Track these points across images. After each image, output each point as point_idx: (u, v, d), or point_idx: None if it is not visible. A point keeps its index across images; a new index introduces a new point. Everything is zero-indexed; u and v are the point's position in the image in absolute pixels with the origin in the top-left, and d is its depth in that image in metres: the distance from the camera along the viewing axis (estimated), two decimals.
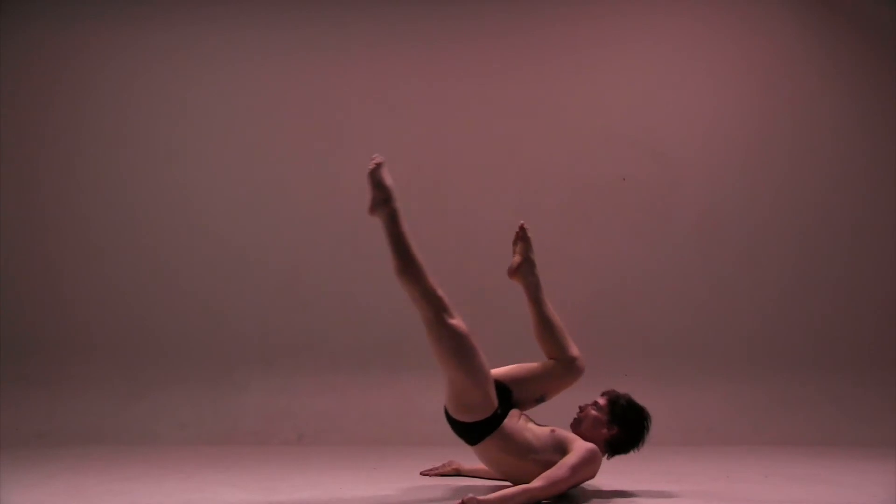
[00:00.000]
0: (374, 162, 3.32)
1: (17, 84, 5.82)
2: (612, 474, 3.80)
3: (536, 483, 3.04)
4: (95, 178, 5.79)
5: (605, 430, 3.29)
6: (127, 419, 5.32)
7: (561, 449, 3.19)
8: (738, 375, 5.52)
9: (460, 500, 2.84)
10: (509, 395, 3.35)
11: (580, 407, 3.37)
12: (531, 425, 3.31)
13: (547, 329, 3.55)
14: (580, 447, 3.17)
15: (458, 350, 3.20)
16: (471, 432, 3.23)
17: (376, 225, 5.86)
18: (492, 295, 5.68)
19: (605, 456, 3.32)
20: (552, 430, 3.28)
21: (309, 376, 5.50)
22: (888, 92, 5.78)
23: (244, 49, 5.88)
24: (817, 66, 5.85)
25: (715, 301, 5.67)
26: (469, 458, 3.57)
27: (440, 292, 3.21)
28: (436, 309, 3.19)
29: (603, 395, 3.40)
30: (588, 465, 3.14)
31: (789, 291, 5.68)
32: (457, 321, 3.20)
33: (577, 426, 3.32)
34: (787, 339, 5.61)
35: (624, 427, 3.29)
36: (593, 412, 3.32)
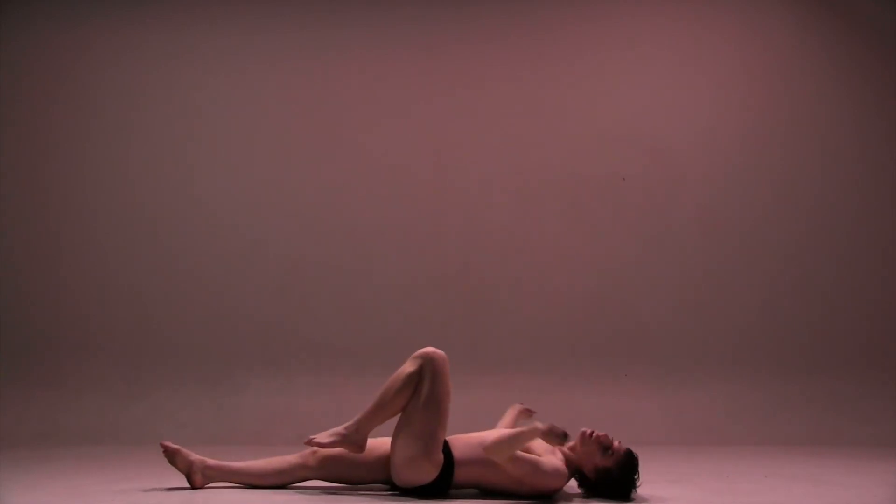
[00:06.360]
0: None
1: (22, 84, 5.83)
2: None
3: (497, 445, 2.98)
4: (98, 180, 5.79)
5: (598, 459, 3.08)
6: (127, 419, 5.32)
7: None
8: (737, 376, 5.52)
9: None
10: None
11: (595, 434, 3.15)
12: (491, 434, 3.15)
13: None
14: (552, 461, 3.07)
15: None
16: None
17: (376, 226, 5.87)
18: (493, 294, 5.69)
19: (578, 485, 3.18)
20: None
21: (309, 376, 5.50)
22: (887, 92, 5.78)
23: (248, 51, 5.89)
24: (816, 66, 5.86)
25: (714, 301, 5.67)
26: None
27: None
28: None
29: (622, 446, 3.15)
30: (549, 477, 3.03)
31: (788, 292, 5.68)
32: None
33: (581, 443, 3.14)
34: (786, 340, 5.61)
35: (616, 469, 3.07)
36: (602, 439, 3.12)
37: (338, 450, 3.19)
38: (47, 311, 5.65)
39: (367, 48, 5.88)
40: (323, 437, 3.14)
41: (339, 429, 3.14)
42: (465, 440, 3.16)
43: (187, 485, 3.26)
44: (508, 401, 5.38)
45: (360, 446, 3.15)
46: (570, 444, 3.15)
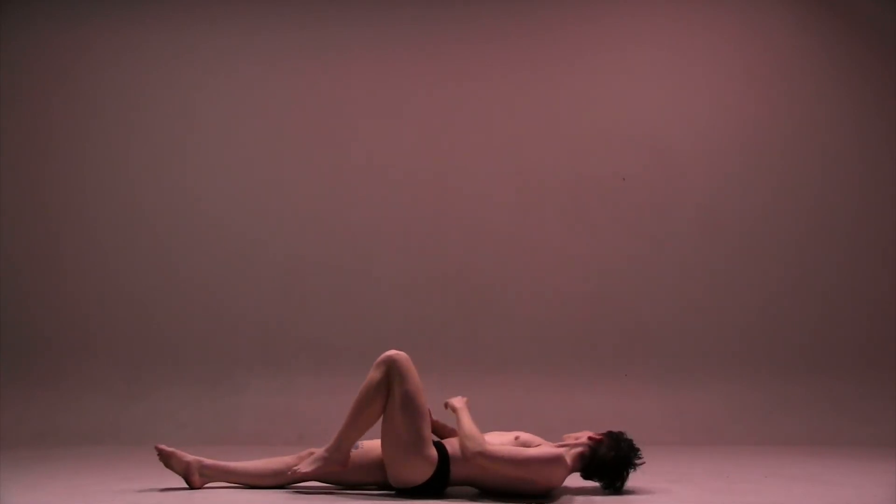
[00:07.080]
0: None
1: (22, 84, 5.83)
2: None
3: (487, 445, 2.99)
4: (97, 180, 5.80)
5: (588, 440, 3.16)
6: (127, 419, 5.32)
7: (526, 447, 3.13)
8: (737, 375, 5.52)
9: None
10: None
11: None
12: (491, 436, 3.18)
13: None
14: (545, 448, 3.11)
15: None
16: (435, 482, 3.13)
17: (376, 226, 5.87)
18: (493, 295, 5.69)
19: (578, 471, 3.18)
20: (516, 437, 3.20)
21: (309, 376, 5.50)
22: (887, 92, 5.77)
23: (248, 51, 5.90)
24: (816, 66, 5.85)
25: (714, 301, 5.67)
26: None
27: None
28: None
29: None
30: (546, 465, 3.03)
31: (788, 292, 5.68)
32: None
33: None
34: (786, 340, 5.61)
35: (611, 442, 3.15)
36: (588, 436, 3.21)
37: None
38: (47, 311, 5.65)
39: (367, 48, 5.88)
40: (305, 466, 3.14)
41: (321, 452, 3.15)
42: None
43: (185, 485, 3.26)
44: (508, 401, 5.41)
45: (344, 463, 3.15)
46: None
